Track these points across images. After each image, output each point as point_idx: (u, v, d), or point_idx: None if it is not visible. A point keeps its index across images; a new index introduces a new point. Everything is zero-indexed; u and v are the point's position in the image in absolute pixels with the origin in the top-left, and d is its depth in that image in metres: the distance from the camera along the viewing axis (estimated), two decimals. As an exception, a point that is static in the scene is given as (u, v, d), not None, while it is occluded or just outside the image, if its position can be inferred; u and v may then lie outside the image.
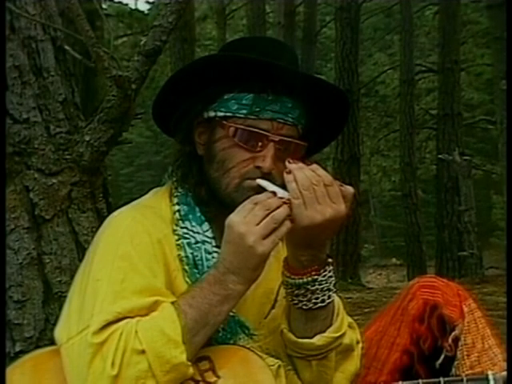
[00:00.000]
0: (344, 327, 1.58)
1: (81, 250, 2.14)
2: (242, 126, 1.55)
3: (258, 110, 1.55)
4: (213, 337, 1.49)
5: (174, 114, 1.66)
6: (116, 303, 1.43)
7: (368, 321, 1.85)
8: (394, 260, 25.14)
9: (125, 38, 14.58)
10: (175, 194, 1.63)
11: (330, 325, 1.55)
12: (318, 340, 1.54)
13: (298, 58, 1.71)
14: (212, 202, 1.60)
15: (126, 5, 18.06)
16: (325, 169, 1.46)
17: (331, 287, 1.53)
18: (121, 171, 27.71)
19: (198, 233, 1.58)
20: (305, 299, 1.52)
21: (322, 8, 21.51)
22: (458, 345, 1.71)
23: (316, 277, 1.50)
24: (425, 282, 1.77)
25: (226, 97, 1.58)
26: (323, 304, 1.52)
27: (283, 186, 1.45)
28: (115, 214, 1.61)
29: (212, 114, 1.60)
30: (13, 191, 2.11)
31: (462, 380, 1.57)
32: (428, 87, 19.65)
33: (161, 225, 1.57)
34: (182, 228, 1.58)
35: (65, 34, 2.30)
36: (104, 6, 13.06)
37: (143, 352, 1.37)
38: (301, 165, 1.46)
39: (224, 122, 1.57)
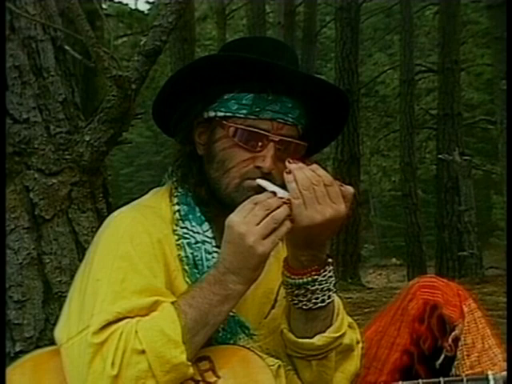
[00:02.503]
0: (344, 327, 1.58)
1: (81, 250, 2.14)
2: (242, 126, 1.55)
3: (257, 109, 1.55)
4: (213, 337, 1.49)
5: (173, 114, 1.66)
6: (116, 303, 1.43)
7: (368, 321, 1.85)
8: (394, 260, 25.12)
9: (125, 38, 14.58)
10: (175, 194, 1.63)
11: (330, 325, 1.55)
12: (318, 340, 1.54)
13: (297, 58, 1.71)
14: (212, 201, 1.60)
15: (126, 5, 18.05)
16: (325, 169, 1.46)
17: (331, 287, 1.53)
18: (121, 171, 27.69)
19: (198, 233, 1.58)
20: (305, 299, 1.52)
21: (321, 8, 21.51)
22: (458, 345, 1.71)
23: (316, 277, 1.50)
24: (425, 282, 1.77)
25: (226, 97, 1.58)
26: (323, 304, 1.52)
27: (283, 186, 1.45)
28: (115, 214, 1.61)
29: (212, 113, 1.59)
30: (13, 191, 2.11)
31: (462, 380, 1.57)
32: (428, 87, 19.65)
33: (161, 225, 1.57)
34: (182, 228, 1.58)
35: (65, 33, 2.30)
36: (104, 6, 13.07)
37: (143, 352, 1.37)
38: (301, 165, 1.46)
39: (224, 122, 1.57)
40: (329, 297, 1.53)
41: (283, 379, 1.51)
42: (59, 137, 2.18)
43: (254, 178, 1.53)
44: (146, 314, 1.42)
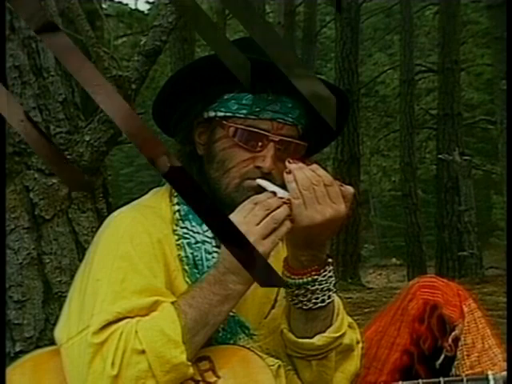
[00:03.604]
0: (344, 327, 1.58)
1: (81, 250, 2.14)
2: (242, 126, 1.55)
3: (258, 110, 1.55)
4: (213, 337, 1.49)
5: (174, 114, 1.66)
6: (116, 303, 1.43)
7: (368, 321, 1.85)
8: (394, 260, 25.10)
9: (125, 38, 14.58)
10: (175, 194, 1.63)
11: (330, 325, 1.55)
12: (318, 340, 1.54)
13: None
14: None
15: (126, 5, 18.04)
16: (325, 169, 1.47)
17: (331, 287, 1.53)
18: (121, 171, 27.68)
19: (198, 233, 1.58)
20: (305, 299, 1.52)
21: (321, 8, 21.48)
22: (458, 345, 1.70)
23: (316, 277, 1.50)
24: (425, 282, 1.77)
25: (226, 97, 1.58)
26: (323, 304, 1.52)
27: (283, 186, 1.45)
28: (115, 214, 1.61)
29: (212, 114, 1.59)
30: (13, 191, 2.11)
31: (461, 380, 1.57)
32: (428, 87, 19.64)
33: (161, 225, 1.57)
34: (182, 228, 1.58)
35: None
36: (104, 6, 13.07)
37: (143, 352, 1.37)
38: (301, 165, 1.46)
39: (224, 122, 1.57)
40: (329, 297, 1.53)
41: (283, 379, 1.51)
42: (59, 137, 2.18)
43: (254, 178, 1.53)
44: (146, 314, 1.42)
